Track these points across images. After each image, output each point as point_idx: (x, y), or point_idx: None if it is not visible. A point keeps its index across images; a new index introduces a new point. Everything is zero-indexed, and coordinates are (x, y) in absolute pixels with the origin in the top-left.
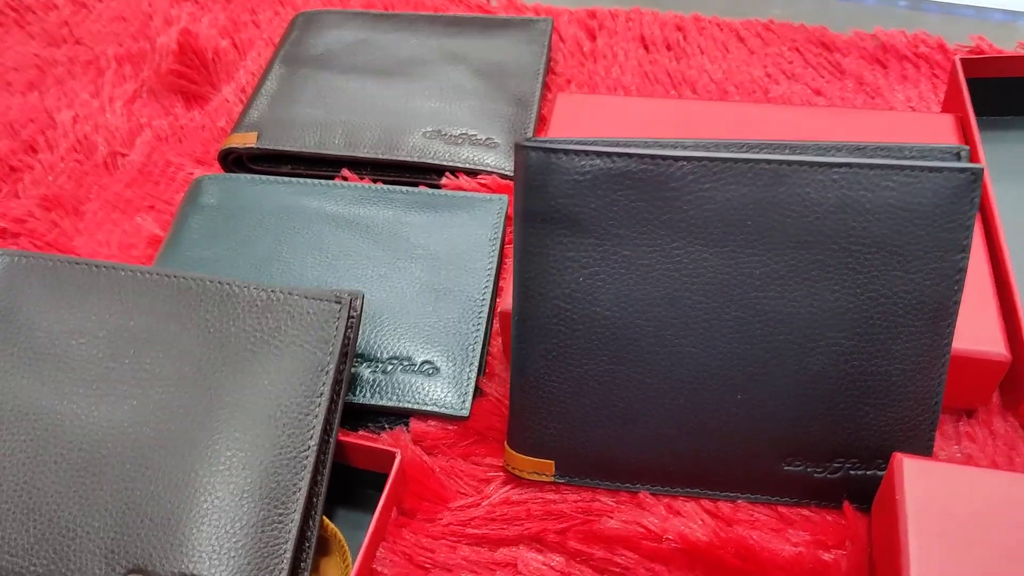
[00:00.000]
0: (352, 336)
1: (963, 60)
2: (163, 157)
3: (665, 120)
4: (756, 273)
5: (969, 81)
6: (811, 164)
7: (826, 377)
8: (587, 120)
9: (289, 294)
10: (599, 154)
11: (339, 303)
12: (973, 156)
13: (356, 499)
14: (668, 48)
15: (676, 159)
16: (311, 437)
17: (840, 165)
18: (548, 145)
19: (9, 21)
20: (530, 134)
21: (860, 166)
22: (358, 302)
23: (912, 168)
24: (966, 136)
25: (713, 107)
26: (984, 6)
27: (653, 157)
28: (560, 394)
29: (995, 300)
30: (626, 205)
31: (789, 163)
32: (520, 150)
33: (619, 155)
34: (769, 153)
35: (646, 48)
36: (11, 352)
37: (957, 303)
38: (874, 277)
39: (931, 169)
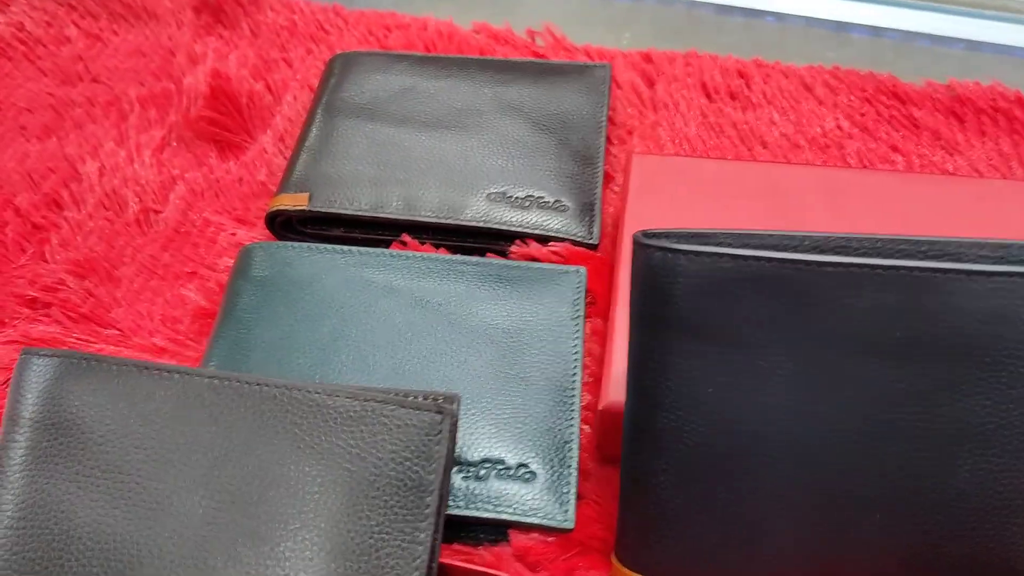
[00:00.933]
0: (451, 445)
1: None
2: (200, 215)
3: (750, 187)
4: (900, 388)
5: None
6: (968, 273)
7: (973, 496)
8: (668, 186)
9: (384, 403)
10: (732, 257)
11: (441, 413)
12: None
13: None
14: (732, 97)
15: (820, 264)
16: (416, 567)
17: (998, 274)
18: (672, 245)
19: (18, 55)
20: (598, 194)
21: (1019, 275)
22: (456, 407)
23: None
24: None
25: (800, 172)
26: None
27: (794, 262)
28: (681, 511)
29: None
30: (760, 312)
31: (942, 271)
32: (640, 248)
33: (754, 258)
34: (909, 257)
35: (708, 96)
36: (76, 471)
37: None
38: None
39: None
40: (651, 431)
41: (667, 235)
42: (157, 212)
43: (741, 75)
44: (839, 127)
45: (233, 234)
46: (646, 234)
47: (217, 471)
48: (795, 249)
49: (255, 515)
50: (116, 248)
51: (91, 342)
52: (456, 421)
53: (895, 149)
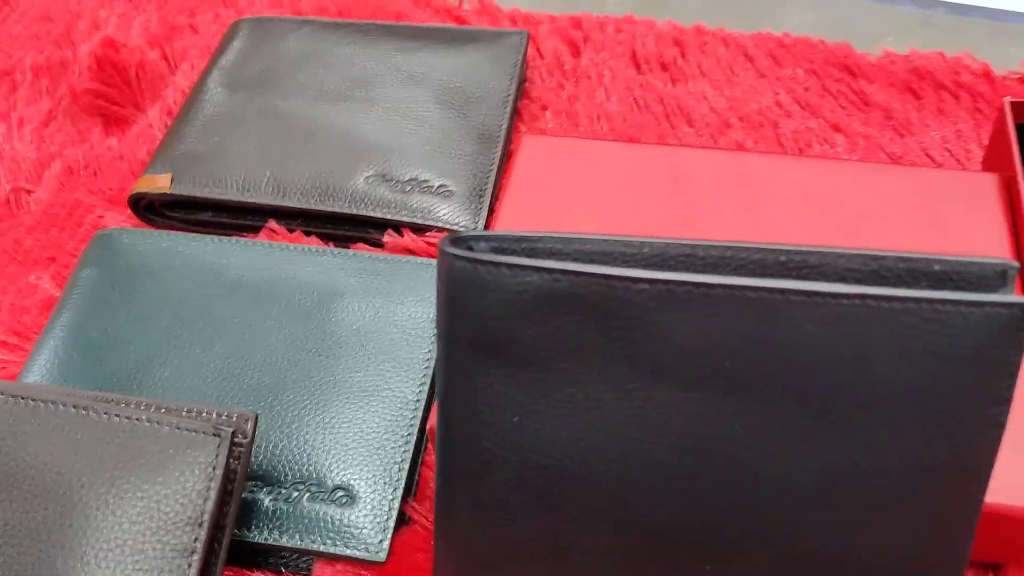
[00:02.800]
0: (240, 469)
1: (1013, 104)
2: (72, 196)
3: (651, 173)
4: (736, 427)
5: (1019, 127)
6: (809, 294)
7: (822, 554)
8: (557, 171)
9: (157, 423)
10: (537, 270)
11: (218, 435)
12: (1020, 226)
13: None
14: (663, 68)
15: (634, 281)
16: None
17: (847, 296)
18: (476, 255)
19: None
20: (492, 178)
21: (874, 298)
22: (248, 426)
23: (941, 301)
24: (1013, 202)
25: (709, 157)
26: None
27: (606, 277)
28: (491, 554)
29: None
30: (572, 333)
31: (782, 291)
32: (443, 257)
33: (563, 272)
34: (758, 274)
35: (637, 67)
36: None
37: (991, 464)
38: (888, 435)
39: (967, 304)
40: (456, 460)
41: (485, 239)
42: (29, 192)
43: (677, 43)
44: (778, 103)
45: (101, 217)
46: (455, 239)
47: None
48: (629, 259)
49: (19, 543)
50: None
51: None
52: (245, 440)
53: (837, 129)
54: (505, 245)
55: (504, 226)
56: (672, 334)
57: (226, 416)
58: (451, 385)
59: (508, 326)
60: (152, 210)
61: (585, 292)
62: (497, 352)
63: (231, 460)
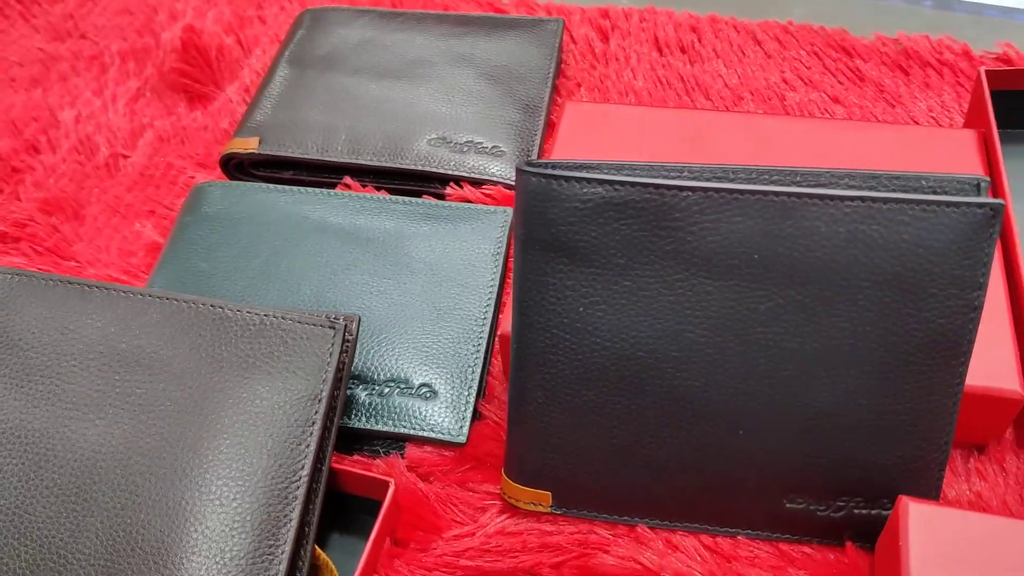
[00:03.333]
0: (347, 361)
1: (988, 72)
2: (164, 160)
3: (676, 132)
4: (761, 308)
5: (994, 94)
6: (821, 197)
7: (832, 415)
8: (596, 131)
9: (283, 318)
10: (601, 182)
11: (333, 328)
12: (996, 173)
13: (351, 524)
14: (682, 51)
15: (680, 189)
16: (303, 467)
17: (852, 199)
18: (549, 171)
19: (14, 14)
20: (538, 142)
21: (873, 200)
22: (353, 325)
23: (928, 203)
24: (989, 153)
25: (726, 119)
26: (1013, 7)
27: (657, 186)
28: (557, 425)
29: (1012, 334)
30: (628, 235)
31: (799, 195)
32: (521, 175)
33: (621, 183)
34: (778, 184)
35: (659, 51)
36: (3, 373)
37: (972, 341)
38: (885, 315)
39: (948, 204)
40: (529, 349)
41: (552, 164)
42: (126, 157)
43: (694, 30)
44: (784, 80)
45: (192, 177)
46: (529, 163)
47: (129, 377)
48: (670, 177)
49: (161, 416)
50: (85, 189)
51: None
52: (354, 338)
53: (836, 100)
54: (569, 168)
55: None
56: (710, 233)
57: (336, 317)
58: (527, 283)
59: (576, 230)
60: (241, 169)
61: (639, 199)
62: (566, 252)
63: (342, 352)
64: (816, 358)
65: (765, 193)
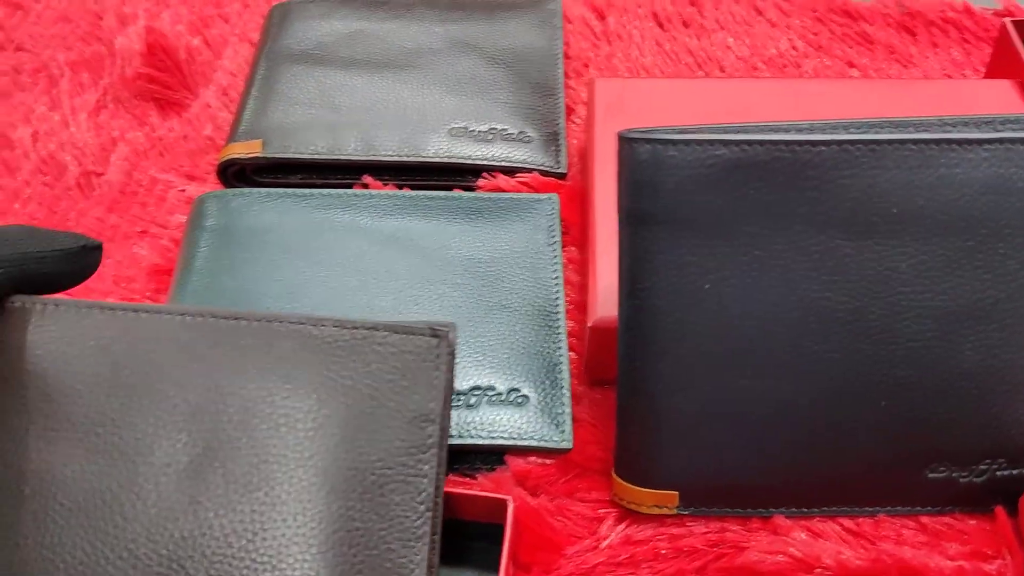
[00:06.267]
0: (451, 374)
1: (1015, 23)
2: (146, 175)
3: (721, 104)
4: (903, 267)
5: None
6: (960, 142)
7: (977, 375)
8: (635, 107)
9: (375, 330)
10: (725, 143)
11: (437, 336)
12: None
13: (459, 553)
14: (685, 25)
15: (814, 144)
16: (422, 502)
17: (991, 141)
18: (659, 136)
19: None
20: (561, 124)
21: (1012, 141)
22: (453, 334)
23: None
24: None
25: (767, 85)
26: None
27: (788, 143)
28: (685, 417)
29: None
30: (757, 199)
31: (936, 142)
32: (627, 143)
33: (748, 143)
34: (919, 131)
35: (661, 26)
36: (45, 425)
37: None
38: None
39: None
40: (646, 335)
41: (656, 132)
42: (99, 175)
43: (692, 3)
44: (794, 47)
45: (183, 190)
46: (631, 131)
47: (199, 414)
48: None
49: (245, 458)
50: (58, 213)
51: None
52: (453, 347)
53: (851, 65)
54: (670, 135)
55: (605, 152)
56: (845, 189)
57: (435, 327)
58: (639, 263)
59: (698, 199)
60: (241, 177)
61: (768, 159)
62: (686, 225)
63: (449, 366)
64: (961, 315)
65: (903, 141)
